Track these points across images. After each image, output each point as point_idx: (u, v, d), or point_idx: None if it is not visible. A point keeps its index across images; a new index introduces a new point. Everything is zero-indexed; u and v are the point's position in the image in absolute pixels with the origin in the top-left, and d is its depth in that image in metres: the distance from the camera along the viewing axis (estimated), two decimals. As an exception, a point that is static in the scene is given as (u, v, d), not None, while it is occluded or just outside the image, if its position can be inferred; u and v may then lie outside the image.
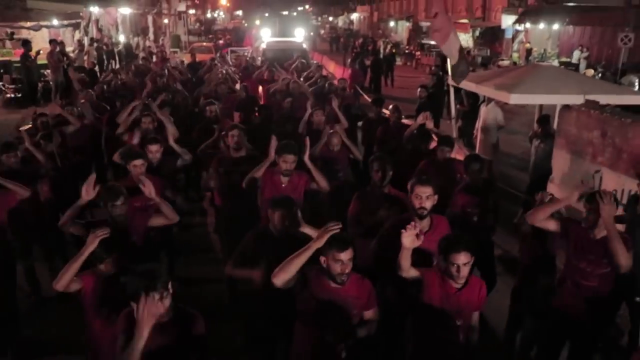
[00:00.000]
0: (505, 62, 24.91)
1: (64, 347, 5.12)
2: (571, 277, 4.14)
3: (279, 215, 4.04)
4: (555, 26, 26.99)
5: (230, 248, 5.19)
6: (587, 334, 4.19)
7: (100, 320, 3.58)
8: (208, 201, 7.60)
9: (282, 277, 3.37)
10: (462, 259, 3.37)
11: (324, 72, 14.13)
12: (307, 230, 3.94)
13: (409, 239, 3.43)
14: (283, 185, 5.10)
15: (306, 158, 5.15)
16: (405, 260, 3.51)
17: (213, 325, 3.48)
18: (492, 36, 31.26)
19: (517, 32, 27.90)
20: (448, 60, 7.97)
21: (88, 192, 4.13)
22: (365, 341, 3.64)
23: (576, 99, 6.19)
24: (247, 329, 4.69)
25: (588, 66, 23.35)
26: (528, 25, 27.19)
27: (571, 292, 4.14)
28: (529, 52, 26.76)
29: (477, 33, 32.22)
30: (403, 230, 3.43)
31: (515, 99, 6.75)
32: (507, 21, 27.56)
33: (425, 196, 4.04)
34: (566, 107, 6.21)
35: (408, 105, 12.82)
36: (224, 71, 13.35)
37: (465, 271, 3.41)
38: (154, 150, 5.74)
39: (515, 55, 27.38)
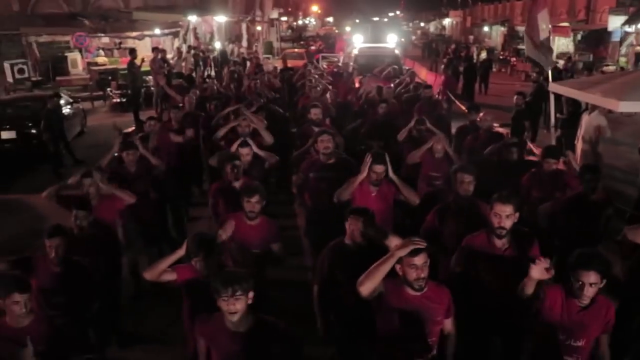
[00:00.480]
0: (611, 68, 23.35)
1: (159, 338, 5.45)
2: None
3: (357, 225, 3.99)
4: (671, 27, 25.04)
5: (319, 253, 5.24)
6: None
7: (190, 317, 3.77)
8: (298, 204, 7.68)
9: (369, 285, 3.31)
10: (591, 279, 3.21)
11: (417, 79, 13.90)
12: (395, 240, 3.83)
13: (538, 271, 3.36)
14: (373, 194, 5.03)
15: (391, 174, 5.04)
16: (530, 288, 3.45)
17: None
18: (596, 40, 29.46)
19: (626, 34, 26.11)
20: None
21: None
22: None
23: (695, 108, 5.68)
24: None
25: None
26: None
27: None
28: (639, 56, 24.94)
29: (578, 37, 30.54)
30: (533, 265, 3.37)
31: (625, 106, 6.28)
32: (615, 22, 25.83)
33: (504, 215, 3.86)
34: (683, 116, 5.71)
35: (503, 113, 12.38)
36: (316, 77, 13.51)
37: (591, 292, 3.25)
38: (245, 154, 5.89)
39: (622, 60, 25.60)
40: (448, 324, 3.56)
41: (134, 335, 5.56)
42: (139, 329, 5.72)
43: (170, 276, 3.86)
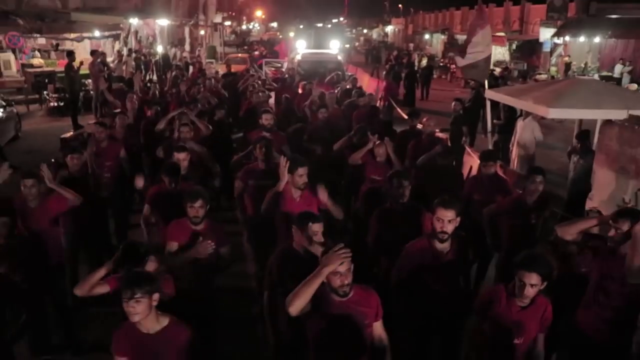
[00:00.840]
0: (543, 76, 24.46)
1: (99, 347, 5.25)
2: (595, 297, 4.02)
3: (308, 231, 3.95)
4: (597, 39, 26.41)
5: (261, 260, 5.29)
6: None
7: None
8: (240, 210, 7.64)
9: (298, 304, 3.20)
10: (532, 280, 3.35)
11: (359, 85, 14.12)
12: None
13: None
14: (297, 200, 4.97)
15: (321, 190, 4.95)
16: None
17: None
18: (529, 49, 30.77)
19: (555, 45, 27.39)
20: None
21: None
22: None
23: (619, 114, 6.02)
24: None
25: (632, 81, 22.76)
26: (567, 38, 26.71)
27: (595, 313, 4.02)
28: (568, 66, 26.23)
29: (513, 46, 31.78)
30: None
31: (554, 113, 6.62)
32: (545, 34, 27.08)
33: (447, 220, 3.94)
34: (608, 122, 6.04)
35: (443, 119, 12.72)
36: (259, 82, 13.51)
37: (531, 292, 3.38)
38: (182, 159, 5.89)
39: (553, 69, 26.86)
40: (378, 327, 3.53)
41: (86, 343, 5.44)
42: (90, 336, 5.57)
43: (103, 289, 3.80)
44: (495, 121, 10.80)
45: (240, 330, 5.67)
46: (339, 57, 19.67)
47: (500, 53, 29.76)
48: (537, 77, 24.38)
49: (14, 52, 20.03)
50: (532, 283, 3.35)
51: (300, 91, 12.33)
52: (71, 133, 11.20)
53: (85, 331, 5.61)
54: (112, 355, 3.33)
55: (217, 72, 19.21)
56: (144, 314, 3.14)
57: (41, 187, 5.21)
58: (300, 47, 22.69)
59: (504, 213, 5.39)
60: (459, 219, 4.02)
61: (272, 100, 10.28)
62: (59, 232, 5.45)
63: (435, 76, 23.24)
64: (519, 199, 5.38)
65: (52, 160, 8.37)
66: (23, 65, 20.29)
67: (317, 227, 3.94)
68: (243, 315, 5.90)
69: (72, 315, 5.54)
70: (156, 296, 3.17)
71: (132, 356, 3.26)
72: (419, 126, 8.28)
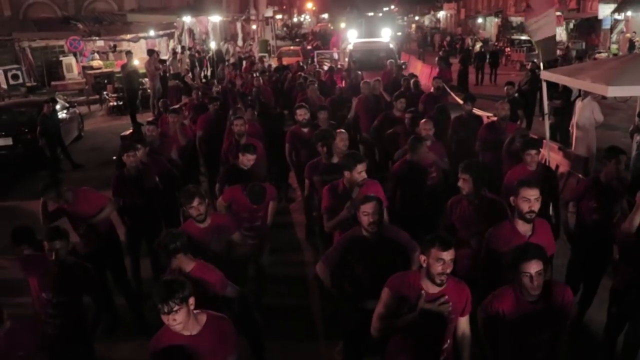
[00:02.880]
0: (603, 55, 23.38)
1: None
2: None
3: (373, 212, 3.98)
4: (661, 13, 25.11)
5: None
6: None
7: None
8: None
9: (381, 335, 3.45)
10: (534, 267, 3.22)
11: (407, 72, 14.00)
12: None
13: None
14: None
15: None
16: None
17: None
18: (588, 28, 29.52)
19: (616, 21, 26.18)
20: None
21: None
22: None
23: (683, 90, 5.72)
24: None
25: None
26: (629, 13, 25.46)
27: None
28: (631, 43, 24.98)
29: (571, 25, 30.57)
30: None
31: (613, 91, 6.27)
32: (605, 10, 25.93)
33: (534, 199, 3.93)
34: (672, 99, 5.76)
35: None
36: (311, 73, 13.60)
37: (540, 280, 3.25)
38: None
39: (614, 47, 25.67)
40: (463, 322, 3.53)
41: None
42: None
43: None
44: (552, 101, 10.45)
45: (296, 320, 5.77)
46: (391, 45, 19.46)
47: (557, 33, 28.71)
48: (597, 56, 23.34)
49: (75, 55, 20.91)
50: (537, 270, 3.22)
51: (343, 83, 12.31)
52: (130, 131, 11.62)
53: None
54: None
55: (269, 66, 19.42)
56: (185, 322, 3.15)
57: None
58: (351, 36, 22.57)
59: (584, 196, 5.21)
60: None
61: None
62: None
63: (488, 60, 22.54)
64: (596, 181, 5.19)
65: (114, 157, 8.72)
66: (83, 68, 21.19)
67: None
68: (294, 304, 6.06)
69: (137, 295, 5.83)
70: (192, 300, 3.16)
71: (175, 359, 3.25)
72: (476, 111, 8.12)
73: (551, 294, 3.38)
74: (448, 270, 3.25)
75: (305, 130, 7.21)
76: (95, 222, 5.43)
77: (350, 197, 4.77)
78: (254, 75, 13.39)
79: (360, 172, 4.77)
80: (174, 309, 3.05)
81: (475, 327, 3.62)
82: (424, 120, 6.71)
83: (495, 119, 7.89)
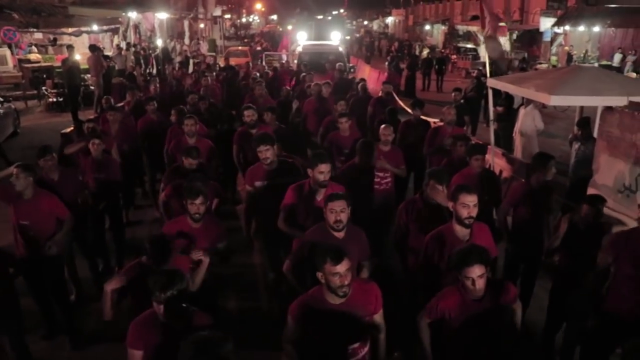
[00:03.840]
0: (544, 66, 24.40)
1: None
2: (626, 283, 4.00)
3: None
4: (596, 29, 26.31)
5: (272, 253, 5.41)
6: None
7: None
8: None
9: None
10: (477, 272, 3.29)
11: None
12: None
13: None
14: (318, 199, 4.73)
15: None
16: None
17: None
18: (530, 39, 30.68)
19: (555, 34, 27.29)
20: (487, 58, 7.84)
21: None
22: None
23: (619, 101, 5.97)
24: None
25: (634, 70, 22.59)
26: (567, 27, 26.59)
27: (627, 297, 4.00)
28: (569, 56, 26.13)
29: (514, 36, 31.67)
30: None
31: (556, 100, 6.55)
32: (546, 24, 26.98)
33: (472, 205, 3.98)
34: (608, 109, 6.00)
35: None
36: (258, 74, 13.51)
37: (481, 283, 3.31)
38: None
39: (554, 58, 26.78)
40: (376, 318, 3.51)
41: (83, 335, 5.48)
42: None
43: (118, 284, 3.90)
44: (497, 108, 10.75)
45: (244, 323, 5.67)
46: (340, 49, 19.56)
47: (501, 44, 29.65)
48: (538, 66, 24.31)
49: (9, 47, 19.93)
50: (479, 274, 3.29)
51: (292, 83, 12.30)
52: (71, 128, 11.20)
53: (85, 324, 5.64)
54: (125, 348, 3.25)
55: (217, 65, 19.19)
56: None
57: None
58: (301, 39, 22.55)
59: (520, 203, 5.35)
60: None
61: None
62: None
63: (435, 67, 23.00)
64: (528, 187, 5.39)
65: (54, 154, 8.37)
66: (20, 61, 20.22)
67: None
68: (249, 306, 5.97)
69: (72, 306, 5.58)
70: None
71: (152, 350, 3.17)
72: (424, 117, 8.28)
73: (495, 292, 3.45)
74: (346, 282, 3.19)
75: (253, 131, 7.13)
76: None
77: (313, 199, 4.73)
78: (205, 74, 13.21)
79: (322, 172, 4.70)
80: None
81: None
82: (384, 125, 6.62)
83: (441, 124, 8.03)
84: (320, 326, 3.28)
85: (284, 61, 20.62)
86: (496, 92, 9.68)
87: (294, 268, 4.22)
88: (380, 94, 10.17)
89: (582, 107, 8.29)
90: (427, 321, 3.60)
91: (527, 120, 9.66)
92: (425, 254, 4.24)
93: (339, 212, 3.95)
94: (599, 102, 6.48)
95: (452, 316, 3.45)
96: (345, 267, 3.17)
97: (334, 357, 3.34)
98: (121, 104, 10.66)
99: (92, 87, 16.83)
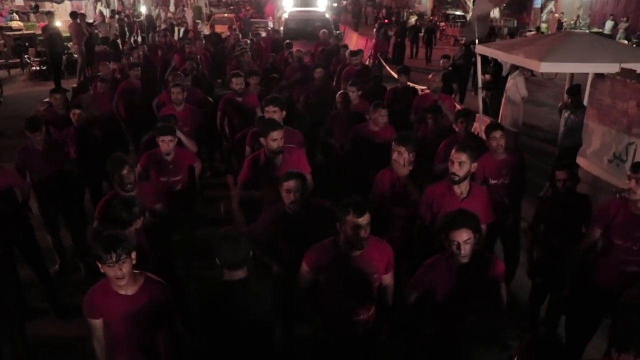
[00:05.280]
0: (533, 34, 24.22)
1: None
2: (615, 255, 3.99)
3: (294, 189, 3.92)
4: (588, -5, 26.14)
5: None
6: None
7: None
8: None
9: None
10: (464, 237, 3.25)
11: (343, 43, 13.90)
12: None
13: None
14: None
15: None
16: None
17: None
18: (520, 6, 30.40)
19: (546, 1, 27.07)
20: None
21: None
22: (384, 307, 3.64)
23: (611, 68, 5.88)
24: None
25: (626, 37, 22.45)
26: (558, -6, 26.40)
27: (614, 268, 3.99)
28: (560, 23, 25.92)
29: (504, 4, 31.35)
30: None
31: (546, 67, 6.47)
32: (536, -10, 26.78)
33: (458, 162, 4.03)
34: (600, 77, 5.93)
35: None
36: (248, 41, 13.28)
37: (467, 249, 3.27)
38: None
39: (544, 26, 26.58)
40: (387, 279, 3.57)
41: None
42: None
43: None
44: (485, 76, 10.67)
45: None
46: (327, 15, 19.25)
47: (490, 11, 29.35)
48: (528, 34, 24.08)
49: (-10, 15, 19.43)
50: (466, 239, 3.25)
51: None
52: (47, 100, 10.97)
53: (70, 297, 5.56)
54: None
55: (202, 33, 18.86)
56: (130, 275, 3.11)
57: None
58: (287, 5, 22.13)
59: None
60: (475, 164, 4.13)
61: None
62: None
63: (422, 34, 22.65)
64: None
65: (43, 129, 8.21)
66: (1, 29, 19.68)
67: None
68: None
69: (53, 281, 5.53)
70: (134, 255, 3.13)
71: (110, 318, 3.20)
72: (412, 84, 8.20)
73: (482, 265, 3.42)
74: (364, 236, 3.27)
75: (240, 99, 7.01)
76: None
77: (272, 167, 4.67)
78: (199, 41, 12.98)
79: (275, 139, 4.61)
80: (122, 257, 3.02)
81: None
82: (374, 107, 6.07)
83: (428, 91, 7.94)
84: (334, 274, 3.38)
85: (270, 28, 20.30)
86: (485, 60, 9.58)
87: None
88: (352, 66, 9.71)
89: (572, 75, 8.20)
90: (415, 294, 3.59)
91: (512, 88, 9.59)
92: (423, 204, 4.31)
93: (293, 192, 3.90)
94: (591, 69, 6.40)
95: (437, 286, 3.44)
96: (366, 220, 3.24)
97: (343, 308, 3.43)
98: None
99: (75, 56, 16.44)
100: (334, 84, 9.56)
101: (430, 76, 7.81)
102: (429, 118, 6.33)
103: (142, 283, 3.23)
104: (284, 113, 5.40)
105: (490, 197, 4.77)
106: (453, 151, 4.10)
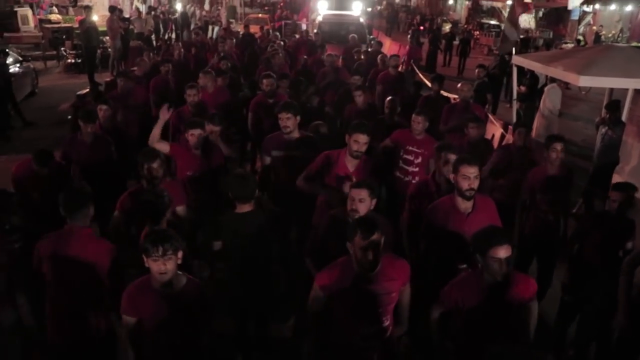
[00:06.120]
0: (569, 46, 23.72)
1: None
2: None
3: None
4: (628, 7, 25.48)
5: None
6: None
7: None
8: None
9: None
10: (505, 253, 3.13)
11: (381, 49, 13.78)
12: None
13: None
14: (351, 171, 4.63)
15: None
16: None
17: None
18: (556, 17, 29.85)
19: (584, 13, 26.54)
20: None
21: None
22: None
23: (654, 84, 5.73)
24: None
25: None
26: (597, 6, 25.83)
27: None
28: (597, 35, 25.36)
29: (540, 14, 30.86)
30: None
31: (585, 81, 6.29)
32: (575, 2, 26.22)
33: (473, 176, 3.88)
34: (641, 92, 5.77)
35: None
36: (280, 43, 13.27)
37: (506, 267, 3.15)
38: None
39: (580, 38, 26.06)
40: (403, 292, 3.45)
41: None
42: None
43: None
44: (520, 87, 10.47)
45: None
46: (361, 19, 19.16)
47: (525, 20, 28.90)
48: (564, 46, 23.66)
49: (31, 7, 19.85)
50: (506, 256, 3.15)
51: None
52: (87, 90, 11.11)
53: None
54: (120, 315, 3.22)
55: (237, 32, 18.93)
56: (173, 273, 3.06)
57: None
58: (321, 8, 22.11)
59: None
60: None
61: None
62: None
63: (457, 42, 22.31)
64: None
65: (69, 117, 8.30)
66: (41, 21, 20.13)
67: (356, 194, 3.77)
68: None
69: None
70: (181, 254, 3.09)
71: (147, 317, 3.14)
72: (444, 92, 8.07)
73: (514, 284, 3.29)
74: (374, 257, 3.12)
75: (270, 100, 6.97)
76: None
77: (342, 167, 4.61)
78: (229, 39, 13.01)
79: (357, 141, 4.52)
80: (168, 253, 2.97)
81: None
82: (415, 115, 5.90)
83: (458, 100, 7.81)
84: (348, 295, 3.24)
85: (303, 29, 20.29)
86: (521, 70, 9.40)
87: (312, 251, 4.07)
88: (389, 70, 9.63)
89: (611, 90, 7.97)
90: (440, 310, 3.49)
91: (547, 100, 9.39)
92: (425, 226, 4.14)
93: (357, 201, 3.74)
94: (632, 84, 6.22)
95: (465, 305, 3.31)
96: (376, 240, 3.11)
97: (358, 331, 3.30)
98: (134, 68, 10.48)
99: (109, 50, 16.67)
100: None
101: (460, 85, 7.61)
102: (471, 127, 6.04)
103: (183, 284, 3.17)
104: (298, 118, 5.26)
105: (534, 211, 4.66)
106: (464, 166, 3.88)
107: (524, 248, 5.21)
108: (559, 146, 4.92)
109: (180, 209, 4.49)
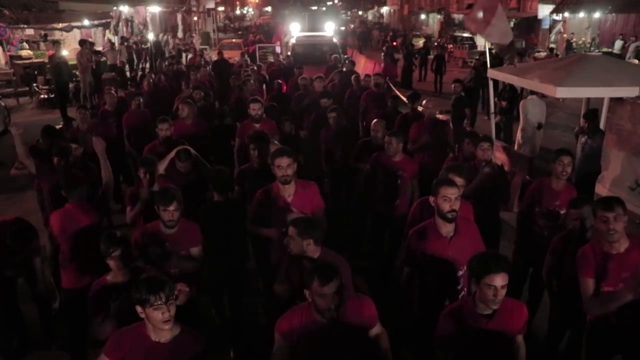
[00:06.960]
0: (542, 54, 24.06)
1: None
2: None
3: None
4: (596, 15, 25.93)
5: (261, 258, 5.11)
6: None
7: None
8: None
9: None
10: (502, 281, 2.99)
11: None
12: None
13: None
14: (289, 199, 4.48)
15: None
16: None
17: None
18: (527, 27, 30.37)
19: (554, 22, 26.98)
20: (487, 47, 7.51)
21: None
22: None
23: (630, 92, 5.69)
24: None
25: (637, 56, 22.17)
26: (567, 14, 26.26)
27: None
28: (568, 43, 25.76)
29: (511, 24, 31.34)
30: None
31: (562, 92, 6.23)
32: (544, 11, 26.69)
33: (454, 197, 3.74)
34: (619, 101, 5.73)
35: (442, 100, 12.41)
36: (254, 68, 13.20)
37: (502, 294, 3.02)
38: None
39: (552, 46, 26.48)
40: (374, 331, 3.28)
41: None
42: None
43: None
44: (501, 102, 10.47)
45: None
46: (334, 39, 19.20)
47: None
48: (536, 54, 23.97)
49: (1, 44, 19.56)
50: (503, 284, 3.03)
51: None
52: (60, 125, 10.88)
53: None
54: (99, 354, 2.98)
55: (210, 59, 18.87)
56: (173, 320, 2.85)
57: None
58: (294, 30, 22.17)
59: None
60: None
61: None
62: None
63: (431, 56, 22.47)
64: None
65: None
66: (11, 57, 19.83)
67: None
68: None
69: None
70: (178, 299, 2.95)
71: None
72: (419, 109, 8.00)
73: (506, 312, 3.16)
74: (334, 303, 2.96)
75: (257, 125, 6.84)
76: None
77: (280, 198, 4.47)
78: (203, 67, 12.92)
79: (279, 165, 4.36)
80: (170, 298, 2.80)
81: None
82: (388, 135, 5.81)
83: (442, 117, 7.76)
84: (310, 343, 3.02)
85: (277, 53, 20.27)
86: (496, 82, 9.38)
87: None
88: (371, 87, 9.67)
89: (588, 98, 7.97)
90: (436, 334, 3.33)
91: (530, 112, 9.36)
92: (407, 251, 4.00)
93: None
94: (609, 93, 6.19)
95: (458, 334, 3.16)
96: (333, 288, 2.91)
97: None
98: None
99: (81, 83, 16.47)
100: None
101: (424, 102, 7.54)
102: (467, 143, 5.88)
103: (178, 332, 2.95)
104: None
105: (528, 226, 4.58)
106: (444, 187, 3.76)
107: (517, 265, 5.07)
108: (566, 159, 4.74)
109: (195, 250, 4.33)
